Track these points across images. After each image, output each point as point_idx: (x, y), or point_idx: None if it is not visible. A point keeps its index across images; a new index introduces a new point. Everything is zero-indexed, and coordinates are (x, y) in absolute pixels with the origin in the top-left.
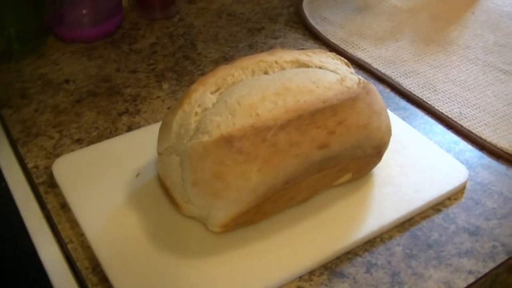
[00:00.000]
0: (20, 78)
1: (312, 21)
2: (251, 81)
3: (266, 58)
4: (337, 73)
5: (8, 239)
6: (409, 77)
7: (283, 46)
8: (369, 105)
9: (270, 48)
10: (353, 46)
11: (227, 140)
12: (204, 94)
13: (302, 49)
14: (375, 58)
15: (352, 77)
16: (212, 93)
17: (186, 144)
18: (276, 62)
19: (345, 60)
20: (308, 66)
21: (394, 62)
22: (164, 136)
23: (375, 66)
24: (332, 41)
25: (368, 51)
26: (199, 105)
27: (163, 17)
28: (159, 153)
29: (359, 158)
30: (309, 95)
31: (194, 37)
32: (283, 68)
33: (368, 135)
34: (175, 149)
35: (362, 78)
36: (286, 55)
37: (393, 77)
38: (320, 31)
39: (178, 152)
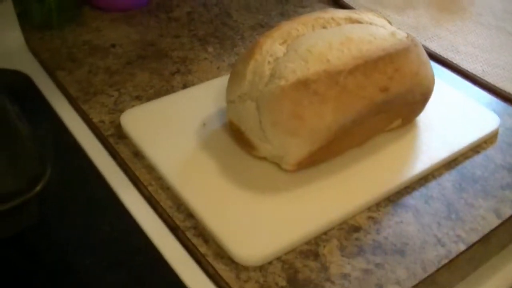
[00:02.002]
0: (65, 44)
1: None
2: (315, 34)
3: (323, 15)
4: (386, 29)
5: (85, 189)
6: (433, 41)
7: None
8: (418, 55)
9: (301, 16)
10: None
11: (304, 83)
12: (273, 45)
13: None
14: (400, 25)
15: (399, 32)
16: (280, 44)
17: (263, 89)
18: (332, 18)
19: (387, 18)
20: (360, 22)
21: (416, 28)
22: (236, 85)
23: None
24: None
25: (392, 18)
26: (270, 55)
27: None
28: (230, 101)
29: (409, 103)
30: (369, 45)
31: (227, 7)
32: (338, 24)
33: (418, 82)
34: (249, 95)
35: (408, 33)
36: (340, 13)
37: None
38: (345, 1)
39: (253, 98)
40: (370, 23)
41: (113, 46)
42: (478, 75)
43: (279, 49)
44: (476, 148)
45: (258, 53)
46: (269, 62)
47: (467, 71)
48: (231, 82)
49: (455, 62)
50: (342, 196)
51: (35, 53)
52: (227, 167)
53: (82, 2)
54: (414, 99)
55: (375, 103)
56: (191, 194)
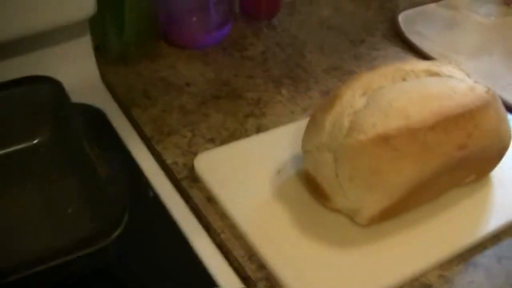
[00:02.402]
0: (141, 80)
1: (408, 36)
2: (395, 87)
3: (403, 66)
4: (465, 82)
5: (156, 232)
6: (508, 90)
7: (386, 58)
8: (497, 110)
9: (374, 59)
10: (451, 61)
11: (384, 138)
12: (353, 96)
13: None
14: (473, 71)
15: (478, 86)
16: (360, 95)
17: (342, 142)
18: (412, 70)
19: (466, 71)
20: (439, 75)
21: (491, 75)
22: (314, 134)
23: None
24: (431, 55)
25: (466, 65)
26: (350, 106)
27: (267, 28)
28: (307, 151)
29: (485, 159)
30: (449, 101)
31: (301, 47)
32: (418, 76)
33: (497, 138)
34: (327, 146)
35: (488, 87)
36: (419, 65)
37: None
38: (417, 46)
39: (331, 149)
40: (450, 76)
41: (188, 84)
42: None
43: (359, 101)
44: None
45: (338, 104)
46: (348, 114)
47: None
48: (308, 131)
49: None
50: (414, 253)
51: (110, 88)
52: (300, 218)
53: (158, 37)
54: (491, 155)
55: (452, 160)
56: (263, 245)
